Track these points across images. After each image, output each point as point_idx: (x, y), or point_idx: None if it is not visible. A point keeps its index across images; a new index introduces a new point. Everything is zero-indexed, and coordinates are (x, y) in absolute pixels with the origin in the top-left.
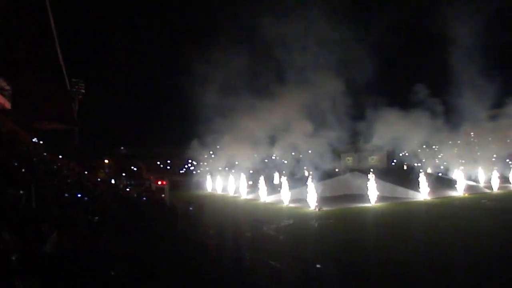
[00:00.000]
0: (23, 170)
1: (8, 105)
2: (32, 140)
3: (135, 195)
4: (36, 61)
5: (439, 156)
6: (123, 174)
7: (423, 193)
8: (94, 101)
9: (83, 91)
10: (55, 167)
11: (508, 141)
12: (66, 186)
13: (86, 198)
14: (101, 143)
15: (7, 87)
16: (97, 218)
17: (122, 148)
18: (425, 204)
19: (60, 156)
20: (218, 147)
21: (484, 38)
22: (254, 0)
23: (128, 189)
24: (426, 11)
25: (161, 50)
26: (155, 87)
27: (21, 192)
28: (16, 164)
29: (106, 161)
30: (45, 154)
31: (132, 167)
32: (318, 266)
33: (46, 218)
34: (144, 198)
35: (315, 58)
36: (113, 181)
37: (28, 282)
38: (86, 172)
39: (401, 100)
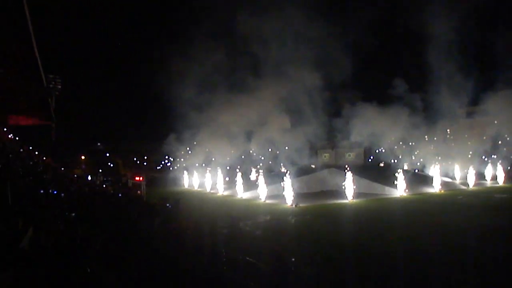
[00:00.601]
0: None
1: None
2: (7, 136)
3: (112, 191)
4: (11, 56)
5: (416, 153)
6: (100, 170)
7: (400, 189)
8: (71, 97)
9: (59, 87)
10: (31, 163)
11: (484, 138)
12: (42, 182)
13: (62, 195)
14: (77, 139)
15: None
16: (73, 214)
17: (98, 144)
18: (401, 200)
19: (36, 152)
20: (195, 143)
21: (461, 35)
22: None
23: (104, 185)
24: (403, 7)
25: (138, 45)
26: (132, 82)
27: None
28: None
29: (83, 157)
30: (21, 150)
31: (109, 163)
32: (293, 259)
33: (21, 214)
34: (120, 195)
35: (292, 54)
36: (89, 177)
37: (3, 277)
38: (62, 168)
39: (378, 96)
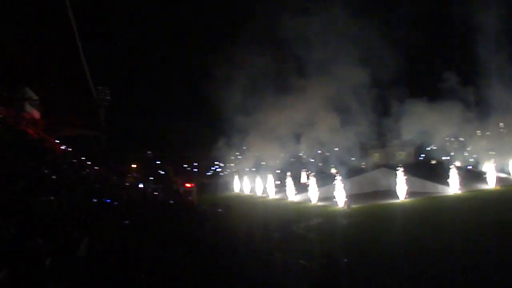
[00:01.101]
0: (53, 177)
1: (37, 114)
2: (61, 148)
3: (163, 198)
4: (62, 71)
5: (468, 149)
6: (151, 178)
7: (453, 187)
8: (120, 107)
9: (108, 98)
10: (84, 173)
11: None
12: (95, 191)
13: (115, 203)
14: (128, 148)
15: (35, 97)
16: (126, 222)
17: (149, 152)
18: (455, 198)
19: (89, 163)
20: (244, 147)
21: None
22: None
23: (156, 193)
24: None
25: (185, 52)
26: (181, 88)
27: (51, 198)
28: (46, 171)
29: (134, 165)
30: (74, 160)
31: (159, 171)
32: (345, 260)
33: (77, 223)
34: (172, 201)
35: (338, 52)
36: (141, 185)
37: (61, 285)
38: (114, 177)
39: (428, 92)
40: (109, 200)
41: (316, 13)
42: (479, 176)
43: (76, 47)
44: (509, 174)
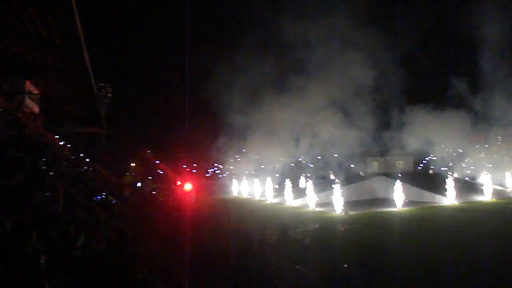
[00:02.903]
0: (51, 173)
1: (36, 109)
2: (59, 144)
3: (161, 198)
4: (63, 65)
5: (466, 160)
6: (150, 177)
7: (450, 197)
8: (121, 105)
9: (110, 95)
10: (82, 170)
11: None
12: (93, 189)
13: (113, 201)
14: (127, 146)
15: (35, 91)
16: (123, 221)
17: (148, 151)
18: (451, 208)
19: (87, 160)
20: (244, 150)
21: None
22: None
23: (154, 192)
24: (453, 10)
25: (186, 53)
26: (182, 90)
27: (47, 194)
28: (44, 167)
29: (133, 164)
30: (72, 157)
31: (158, 171)
32: (345, 265)
33: (73, 221)
34: (170, 201)
35: (340, 60)
36: (139, 184)
37: (56, 284)
38: (113, 176)
39: (428, 103)
40: (107, 198)
41: (319, 17)
42: (476, 188)
43: (79, 43)
44: (506, 187)
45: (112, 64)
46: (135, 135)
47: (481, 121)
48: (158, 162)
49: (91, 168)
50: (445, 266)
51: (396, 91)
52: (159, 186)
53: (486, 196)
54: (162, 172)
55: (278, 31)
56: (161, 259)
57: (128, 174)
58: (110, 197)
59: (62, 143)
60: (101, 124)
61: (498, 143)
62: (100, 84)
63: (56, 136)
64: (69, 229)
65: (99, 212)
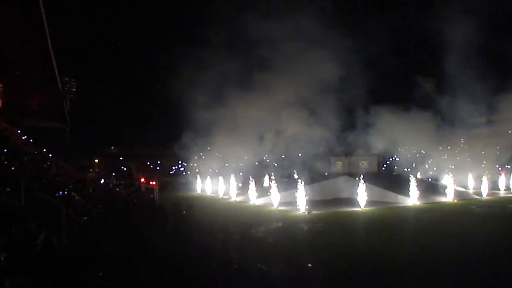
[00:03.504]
0: (13, 168)
1: None
2: (22, 139)
3: (125, 195)
4: (27, 59)
5: (429, 162)
6: (113, 174)
7: (413, 198)
8: (85, 100)
9: (74, 90)
10: (45, 165)
11: (498, 147)
12: (56, 185)
13: (76, 198)
14: (91, 142)
15: None
16: (85, 218)
17: (112, 147)
18: (413, 209)
19: (50, 155)
20: (208, 148)
21: (479, 41)
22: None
23: (117, 189)
24: (419, 13)
25: (152, 49)
26: (146, 86)
27: (8, 189)
28: (6, 162)
29: (96, 160)
30: (35, 152)
31: (122, 167)
32: (310, 265)
33: (35, 217)
34: (133, 199)
35: (305, 59)
36: (102, 181)
37: (17, 281)
38: (76, 171)
39: (392, 104)
40: (69, 195)
41: (284, 16)
42: (439, 189)
43: (44, 35)
44: (468, 188)
45: (77, 60)
46: (100, 131)
47: (445, 123)
48: (122, 158)
49: (54, 164)
50: (406, 263)
51: (361, 92)
52: (123, 182)
53: (449, 197)
54: (126, 169)
55: (244, 29)
56: (123, 255)
57: (91, 170)
58: (73, 193)
59: (24, 137)
60: (65, 119)
61: (461, 145)
62: (65, 78)
63: (18, 131)
64: (30, 225)
65: (61, 209)
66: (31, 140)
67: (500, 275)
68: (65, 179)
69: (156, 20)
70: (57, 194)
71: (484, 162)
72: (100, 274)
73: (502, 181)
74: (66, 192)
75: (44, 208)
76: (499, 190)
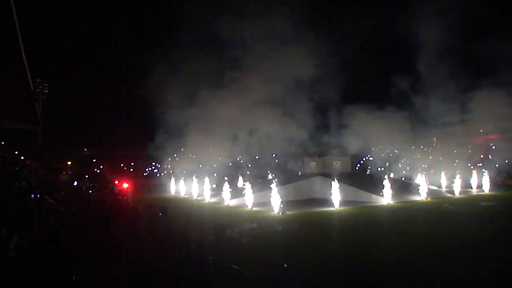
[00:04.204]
0: None
1: None
2: None
3: (98, 197)
4: None
5: (403, 161)
6: (86, 176)
7: (386, 197)
8: (58, 102)
9: (46, 91)
10: (16, 168)
11: (470, 146)
12: (28, 188)
13: (50, 201)
14: (64, 144)
15: None
16: (58, 221)
17: (85, 149)
18: (387, 208)
19: (22, 157)
20: (182, 149)
21: (450, 43)
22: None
23: (91, 191)
24: (390, 15)
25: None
26: (119, 88)
27: None
28: None
29: (69, 162)
30: (6, 155)
31: (95, 169)
32: (285, 265)
33: (6, 221)
34: (107, 201)
35: (278, 59)
36: (75, 183)
37: None
38: (49, 174)
39: (365, 105)
40: (41, 198)
41: (258, 16)
42: (412, 188)
43: (15, 35)
44: (440, 187)
45: (50, 61)
46: (72, 133)
47: (418, 123)
48: (95, 160)
49: (26, 166)
50: (380, 262)
51: (334, 92)
52: (96, 185)
53: (422, 195)
54: (99, 171)
55: (216, 30)
56: (97, 259)
57: (64, 172)
58: (45, 196)
59: None
60: (37, 121)
61: (434, 144)
62: (37, 80)
63: None
64: (1, 229)
65: (34, 212)
66: (2, 143)
67: (456, 269)
68: (38, 182)
69: (128, 21)
70: (29, 197)
71: (457, 161)
72: (74, 278)
73: (474, 179)
74: (38, 195)
75: (16, 212)
76: (472, 188)
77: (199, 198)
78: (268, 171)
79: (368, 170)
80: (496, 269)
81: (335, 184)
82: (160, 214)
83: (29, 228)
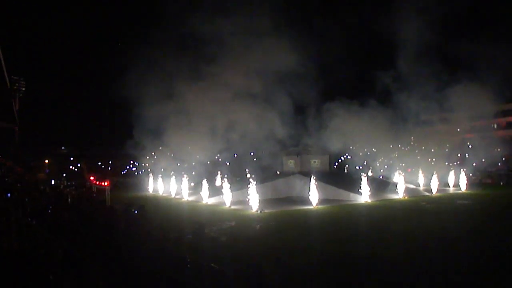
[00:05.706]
0: None
1: None
2: None
3: (76, 196)
4: None
5: (380, 159)
6: (64, 175)
7: (364, 195)
8: (35, 100)
9: (23, 89)
10: None
11: (447, 144)
12: (4, 186)
13: (26, 199)
14: (41, 143)
15: None
16: (35, 220)
17: (63, 148)
18: (365, 206)
19: None
20: (160, 147)
21: (429, 41)
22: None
23: (68, 190)
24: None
25: (101, 48)
26: (97, 86)
27: None
28: None
29: (46, 161)
30: None
31: (73, 168)
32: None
33: None
34: (84, 199)
35: (256, 57)
36: (53, 182)
37: None
38: (25, 172)
39: (343, 103)
40: (18, 196)
41: (234, 11)
42: (390, 186)
43: None
44: (418, 185)
45: (27, 59)
46: (50, 131)
47: (396, 121)
48: (73, 159)
49: (2, 165)
50: (359, 261)
51: (313, 90)
52: (74, 183)
53: (399, 194)
54: (76, 170)
55: (192, 26)
56: (75, 258)
57: (41, 171)
58: (23, 195)
59: None
60: (14, 119)
61: (411, 142)
62: (14, 77)
63: None
64: None
65: (10, 211)
66: None
67: (432, 263)
68: (14, 180)
69: (104, 19)
70: (5, 196)
71: (434, 159)
72: (51, 278)
73: (451, 178)
74: (15, 194)
75: None
76: (449, 187)
77: (177, 197)
78: (246, 170)
79: (346, 169)
80: (471, 263)
81: (313, 183)
82: (136, 212)
83: (6, 227)
